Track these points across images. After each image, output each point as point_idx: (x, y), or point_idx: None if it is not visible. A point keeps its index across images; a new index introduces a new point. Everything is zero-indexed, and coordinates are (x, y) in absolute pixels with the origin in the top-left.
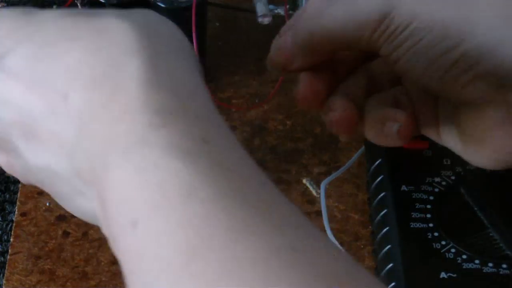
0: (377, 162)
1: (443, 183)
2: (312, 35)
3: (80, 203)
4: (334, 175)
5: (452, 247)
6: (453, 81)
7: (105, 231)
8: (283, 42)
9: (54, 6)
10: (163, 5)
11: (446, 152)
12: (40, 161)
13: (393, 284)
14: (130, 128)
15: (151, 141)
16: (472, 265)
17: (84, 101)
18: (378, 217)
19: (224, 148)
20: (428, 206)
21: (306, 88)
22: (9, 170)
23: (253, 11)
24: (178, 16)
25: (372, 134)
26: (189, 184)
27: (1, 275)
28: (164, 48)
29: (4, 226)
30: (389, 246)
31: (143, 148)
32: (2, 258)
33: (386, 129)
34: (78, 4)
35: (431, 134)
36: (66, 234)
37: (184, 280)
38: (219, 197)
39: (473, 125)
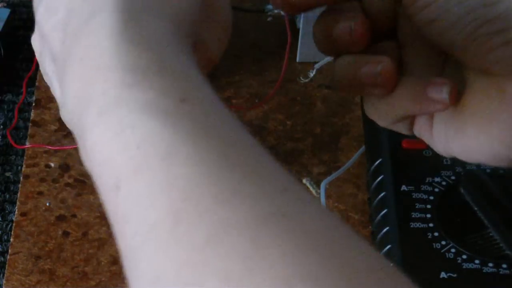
0: (377, 162)
1: (443, 183)
2: None
3: None
4: (334, 175)
5: (452, 247)
6: (482, 40)
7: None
8: None
9: None
10: None
11: None
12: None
13: None
14: (103, 86)
15: (126, 101)
16: (472, 265)
17: (68, 50)
18: (378, 217)
19: (205, 108)
20: (428, 206)
21: (362, 20)
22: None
23: (253, 11)
24: None
25: (409, 103)
26: (169, 145)
27: (1, 275)
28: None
29: (4, 226)
30: (389, 246)
31: (119, 108)
32: (2, 258)
33: (435, 93)
34: None
35: (423, 123)
36: (66, 234)
37: (170, 244)
38: (202, 159)
39: (482, 99)
